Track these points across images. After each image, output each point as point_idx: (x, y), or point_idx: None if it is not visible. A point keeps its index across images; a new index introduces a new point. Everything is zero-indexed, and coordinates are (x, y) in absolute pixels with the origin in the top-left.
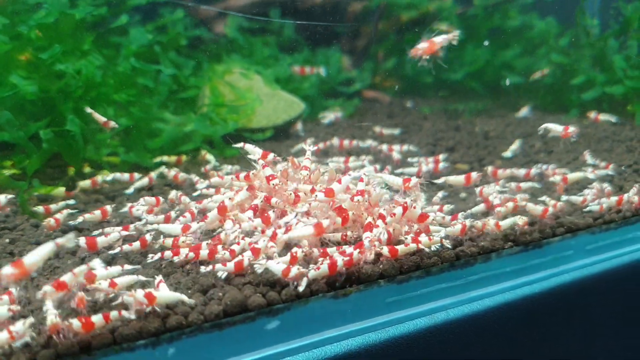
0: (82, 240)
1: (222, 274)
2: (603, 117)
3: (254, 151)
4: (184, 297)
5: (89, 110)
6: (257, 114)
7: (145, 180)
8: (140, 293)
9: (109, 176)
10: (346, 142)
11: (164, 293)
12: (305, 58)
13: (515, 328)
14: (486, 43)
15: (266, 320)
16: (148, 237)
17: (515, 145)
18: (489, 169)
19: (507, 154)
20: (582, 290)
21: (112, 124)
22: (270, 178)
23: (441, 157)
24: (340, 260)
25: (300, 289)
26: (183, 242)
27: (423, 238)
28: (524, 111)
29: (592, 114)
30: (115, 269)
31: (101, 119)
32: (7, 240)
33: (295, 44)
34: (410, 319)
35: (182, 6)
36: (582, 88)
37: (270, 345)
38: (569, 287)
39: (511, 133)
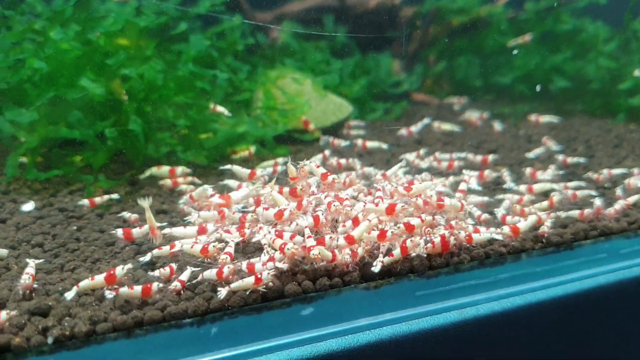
0: (120, 231)
1: None
2: None
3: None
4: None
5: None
6: (307, 116)
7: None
8: None
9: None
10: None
11: None
12: (356, 62)
13: (545, 328)
14: (515, 52)
15: (301, 307)
16: None
17: (540, 149)
18: (527, 170)
19: (531, 155)
20: (616, 294)
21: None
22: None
23: (490, 157)
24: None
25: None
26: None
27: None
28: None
29: None
30: None
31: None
32: (75, 228)
33: (347, 49)
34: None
35: (240, 13)
36: (631, 93)
37: (304, 330)
38: (602, 290)
39: (555, 136)
